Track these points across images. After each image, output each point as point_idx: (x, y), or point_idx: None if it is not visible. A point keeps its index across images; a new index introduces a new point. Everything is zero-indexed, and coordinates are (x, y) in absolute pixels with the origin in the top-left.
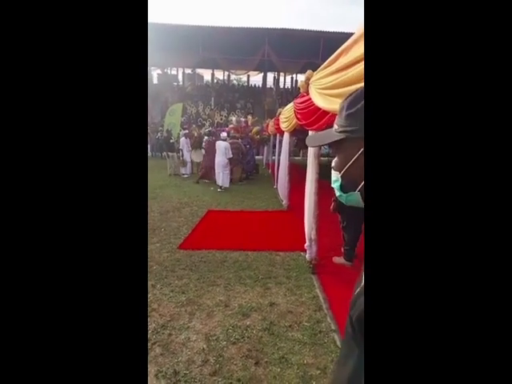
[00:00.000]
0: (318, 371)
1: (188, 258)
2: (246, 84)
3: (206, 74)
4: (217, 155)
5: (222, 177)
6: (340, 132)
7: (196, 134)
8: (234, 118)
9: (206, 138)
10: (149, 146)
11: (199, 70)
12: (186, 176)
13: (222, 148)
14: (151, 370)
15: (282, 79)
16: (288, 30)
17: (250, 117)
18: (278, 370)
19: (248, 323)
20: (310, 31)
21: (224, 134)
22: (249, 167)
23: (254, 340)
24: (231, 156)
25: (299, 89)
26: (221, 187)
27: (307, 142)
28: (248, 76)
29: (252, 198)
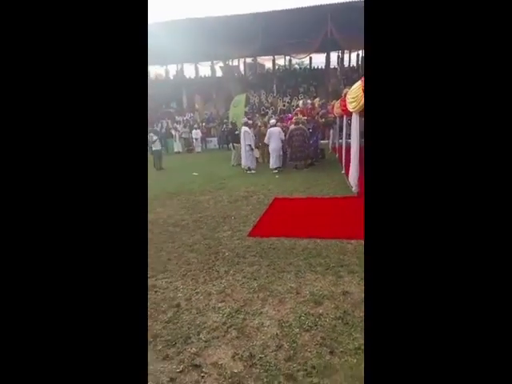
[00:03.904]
0: None
1: (258, 245)
2: (308, 67)
3: (267, 62)
4: (271, 142)
5: (277, 159)
6: None
7: (260, 124)
8: (300, 102)
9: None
10: (215, 139)
11: (260, 59)
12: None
13: (277, 133)
14: (228, 352)
15: (346, 57)
16: (352, 2)
17: (317, 99)
18: (355, 360)
19: (321, 311)
20: None
21: (273, 121)
22: (311, 152)
23: (327, 328)
24: (283, 138)
25: None
26: (276, 169)
27: None
28: (310, 58)
29: (319, 184)
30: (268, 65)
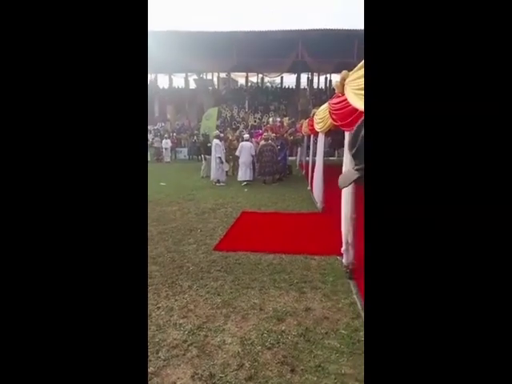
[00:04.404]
0: (357, 383)
1: (223, 260)
2: (279, 86)
3: (240, 78)
4: (242, 155)
5: (247, 172)
6: (357, 170)
7: (231, 137)
8: (270, 119)
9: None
10: (185, 149)
11: (233, 74)
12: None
13: (248, 147)
14: (187, 371)
15: (315, 79)
16: (322, 30)
17: (286, 118)
18: (315, 378)
19: (283, 328)
20: (344, 30)
21: (247, 136)
22: (279, 168)
23: (289, 346)
24: (254, 153)
25: (333, 89)
26: (245, 182)
27: (340, 183)
28: (281, 78)
29: (286, 199)
30: (241, 81)
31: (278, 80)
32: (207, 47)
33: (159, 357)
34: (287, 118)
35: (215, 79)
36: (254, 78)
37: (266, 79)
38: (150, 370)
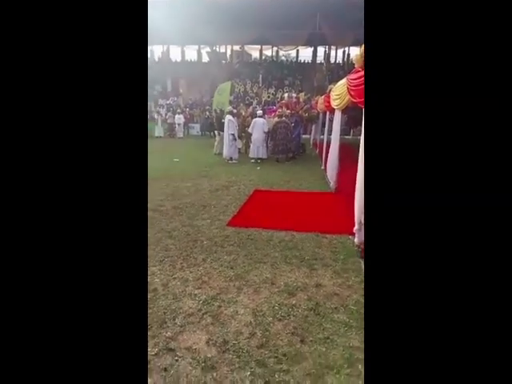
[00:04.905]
0: None
1: (236, 235)
2: (294, 60)
3: (254, 51)
4: (255, 131)
5: (260, 150)
6: None
7: (244, 113)
8: (286, 95)
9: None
10: (198, 125)
11: (247, 47)
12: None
13: (261, 124)
14: (202, 337)
15: (332, 53)
16: None
17: (302, 94)
18: (324, 349)
19: (294, 302)
20: None
21: (260, 112)
22: (293, 146)
23: (299, 318)
24: (267, 130)
25: (352, 63)
26: (257, 160)
27: None
28: (297, 51)
29: (298, 178)
30: (255, 54)
31: (293, 54)
32: (221, 17)
33: (176, 323)
34: (303, 94)
35: (229, 52)
36: (268, 52)
37: (281, 53)
38: (167, 334)
